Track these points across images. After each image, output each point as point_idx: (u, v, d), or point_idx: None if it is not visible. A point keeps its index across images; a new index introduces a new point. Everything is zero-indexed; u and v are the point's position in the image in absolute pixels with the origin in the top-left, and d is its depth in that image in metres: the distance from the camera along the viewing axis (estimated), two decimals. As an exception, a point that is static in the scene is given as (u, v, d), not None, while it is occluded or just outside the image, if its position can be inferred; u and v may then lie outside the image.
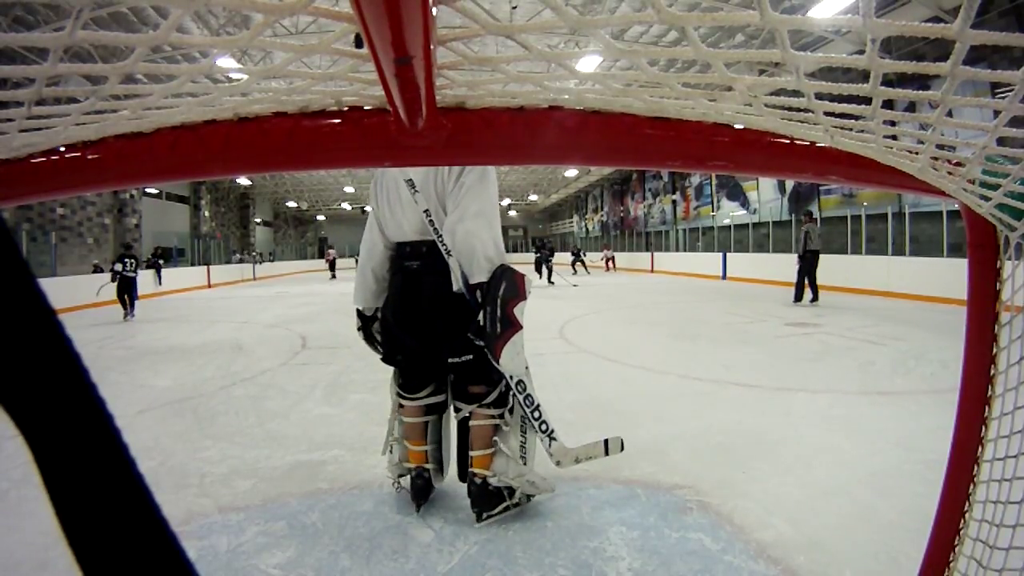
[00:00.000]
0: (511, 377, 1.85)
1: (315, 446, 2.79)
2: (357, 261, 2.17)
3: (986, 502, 0.88)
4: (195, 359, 5.33)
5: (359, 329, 2.19)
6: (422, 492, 2.06)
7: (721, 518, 1.98)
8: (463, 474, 2.04)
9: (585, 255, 21.39)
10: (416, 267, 1.94)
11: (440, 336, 1.91)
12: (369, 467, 2.50)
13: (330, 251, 23.75)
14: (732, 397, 3.57)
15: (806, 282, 8.85)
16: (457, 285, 1.83)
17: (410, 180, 1.89)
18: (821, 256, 8.94)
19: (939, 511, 0.96)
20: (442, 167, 1.90)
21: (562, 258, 21.02)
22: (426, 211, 1.87)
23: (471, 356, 1.86)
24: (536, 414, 1.90)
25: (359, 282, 2.09)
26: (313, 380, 4.25)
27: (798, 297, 8.95)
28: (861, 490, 2.18)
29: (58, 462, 0.20)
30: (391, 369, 2.13)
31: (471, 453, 1.99)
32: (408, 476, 2.09)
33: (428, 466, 2.06)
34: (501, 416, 1.96)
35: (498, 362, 1.78)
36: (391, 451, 2.15)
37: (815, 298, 8.84)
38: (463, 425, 2.02)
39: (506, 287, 1.78)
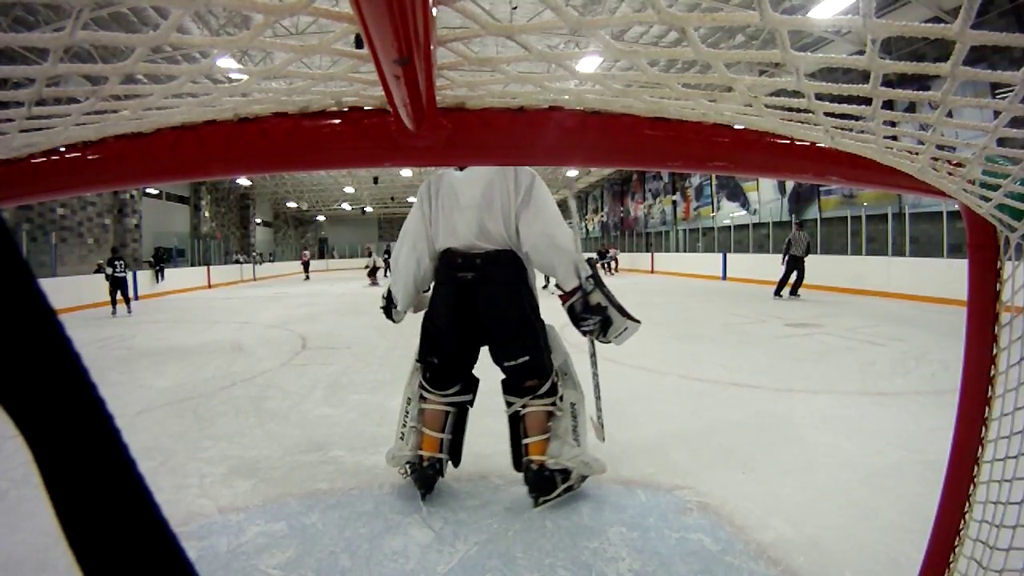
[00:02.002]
0: (593, 357, 2.16)
1: (315, 446, 2.79)
2: (387, 267, 2.32)
3: (986, 503, 0.88)
4: (195, 359, 5.32)
5: (382, 308, 2.31)
6: (430, 481, 2.14)
7: (721, 518, 1.98)
8: (517, 464, 2.15)
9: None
10: (471, 278, 2.03)
11: (498, 342, 2.08)
12: (369, 467, 2.50)
13: (304, 252, 23.98)
14: (732, 397, 3.57)
15: (789, 281, 9.93)
16: (576, 281, 2.01)
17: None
18: (812, 260, 10.00)
19: (939, 511, 0.96)
20: (504, 182, 2.04)
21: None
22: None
23: (528, 357, 2.05)
24: (598, 391, 2.17)
25: (403, 292, 2.18)
26: (313, 380, 4.25)
27: (776, 292, 10.03)
28: (861, 490, 2.18)
29: (58, 462, 0.20)
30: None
31: (526, 441, 2.10)
32: (417, 464, 2.15)
33: (440, 456, 2.14)
34: (553, 403, 2.10)
35: (637, 320, 2.04)
36: (402, 437, 2.20)
37: (793, 293, 9.91)
38: (514, 419, 2.15)
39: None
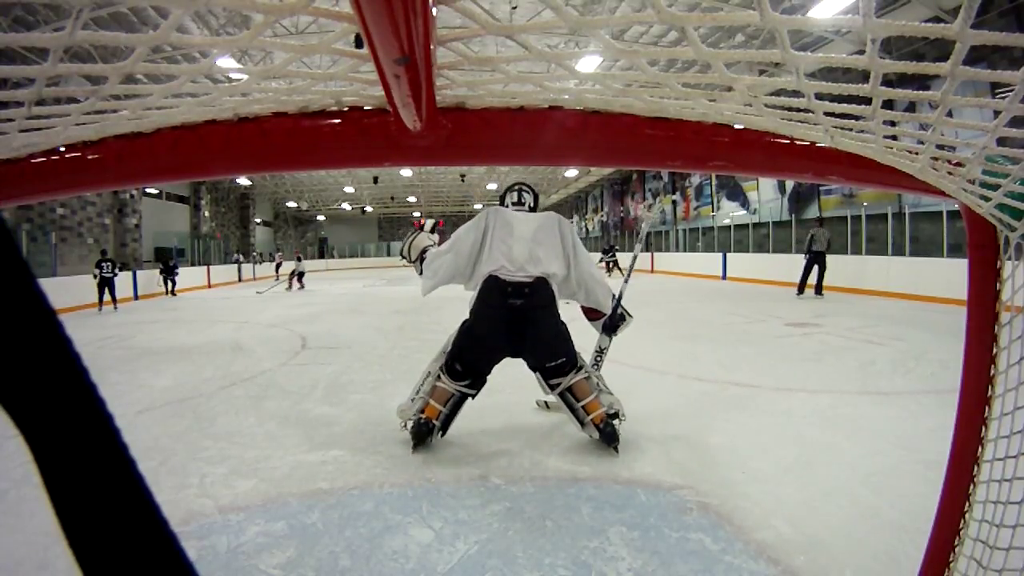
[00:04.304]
0: (601, 347, 3.01)
1: (315, 446, 2.79)
2: (420, 258, 2.83)
3: (986, 502, 0.88)
4: (195, 359, 5.32)
5: (415, 266, 2.91)
6: (423, 436, 2.62)
7: (721, 518, 1.98)
8: (583, 425, 2.65)
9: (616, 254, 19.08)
10: (520, 304, 2.51)
11: (541, 351, 2.64)
12: (369, 467, 2.50)
13: (278, 254, 23.15)
14: (732, 397, 3.57)
15: (810, 280, 10.02)
16: (610, 304, 2.86)
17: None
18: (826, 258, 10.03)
19: (939, 511, 0.96)
20: (550, 227, 2.67)
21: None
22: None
23: (565, 358, 2.63)
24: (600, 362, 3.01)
25: (429, 287, 2.73)
26: (313, 380, 4.25)
27: (800, 291, 10.10)
28: (861, 490, 2.18)
29: (58, 462, 0.20)
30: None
31: (583, 403, 2.62)
32: (416, 422, 2.63)
33: (435, 422, 2.61)
34: (586, 372, 2.68)
35: (632, 316, 2.99)
36: (412, 400, 2.72)
37: (818, 292, 9.96)
38: (563, 395, 2.66)
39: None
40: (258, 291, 14.93)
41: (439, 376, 2.63)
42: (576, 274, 2.71)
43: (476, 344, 2.60)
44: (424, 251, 2.82)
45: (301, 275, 15.65)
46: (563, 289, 2.72)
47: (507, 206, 2.85)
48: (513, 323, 2.53)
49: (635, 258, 3.24)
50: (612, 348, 3.09)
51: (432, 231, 2.98)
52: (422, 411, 2.63)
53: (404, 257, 2.94)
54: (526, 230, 2.63)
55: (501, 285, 2.51)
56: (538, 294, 2.52)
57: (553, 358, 2.62)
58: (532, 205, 2.89)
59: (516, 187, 2.95)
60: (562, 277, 2.65)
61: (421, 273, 2.80)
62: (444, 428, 2.66)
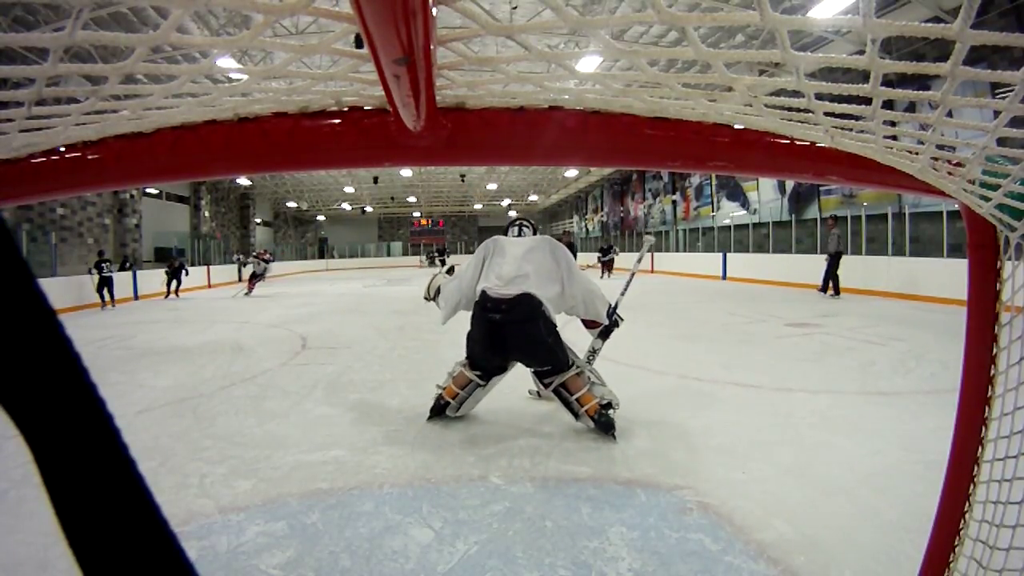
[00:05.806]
0: (594, 348, 3.24)
1: (315, 446, 2.79)
2: (437, 294, 3.27)
3: (986, 502, 0.88)
4: (195, 359, 5.32)
5: (430, 299, 3.37)
6: (439, 410, 3.07)
7: (721, 518, 1.98)
8: (577, 416, 2.83)
9: (617, 253, 18.61)
10: (498, 319, 2.76)
11: (524, 360, 2.92)
12: (369, 467, 2.50)
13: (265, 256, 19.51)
14: (732, 397, 3.57)
15: (817, 280, 10.27)
16: (607, 314, 3.08)
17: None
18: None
19: (939, 511, 0.96)
20: (543, 248, 2.95)
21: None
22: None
23: (550, 367, 2.84)
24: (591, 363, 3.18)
25: (445, 313, 3.16)
26: (313, 380, 4.25)
27: (823, 289, 10.20)
28: (861, 490, 2.18)
29: (58, 462, 0.20)
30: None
31: (576, 396, 2.80)
32: (438, 396, 3.06)
33: (451, 401, 3.01)
34: (579, 368, 2.85)
35: (623, 319, 3.24)
36: (446, 378, 3.08)
37: (836, 293, 9.99)
38: (557, 391, 2.86)
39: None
40: (232, 295, 14.16)
41: (464, 363, 3.00)
42: (572, 290, 2.94)
43: (472, 350, 2.94)
44: (440, 289, 3.28)
45: (257, 277, 14.18)
46: (560, 305, 2.93)
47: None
48: (494, 335, 2.80)
49: (632, 274, 3.45)
50: (611, 348, 3.16)
51: (449, 272, 3.39)
52: (444, 389, 3.05)
53: (427, 298, 3.39)
54: (518, 251, 2.95)
55: (484, 300, 2.81)
56: (517, 310, 2.74)
57: (539, 365, 2.87)
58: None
59: (517, 222, 3.29)
60: (556, 293, 2.87)
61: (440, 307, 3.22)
62: (459, 407, 3.03)
